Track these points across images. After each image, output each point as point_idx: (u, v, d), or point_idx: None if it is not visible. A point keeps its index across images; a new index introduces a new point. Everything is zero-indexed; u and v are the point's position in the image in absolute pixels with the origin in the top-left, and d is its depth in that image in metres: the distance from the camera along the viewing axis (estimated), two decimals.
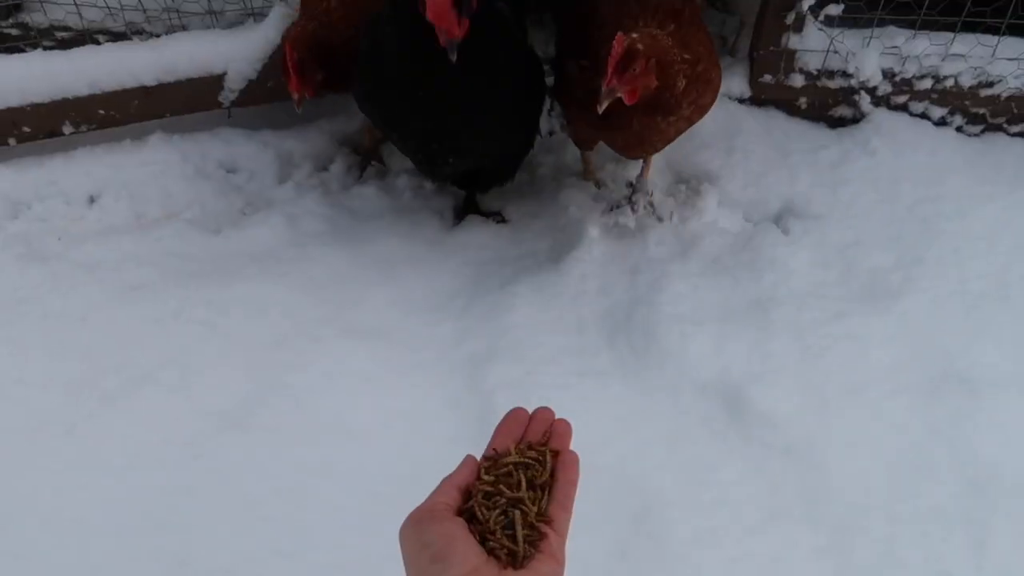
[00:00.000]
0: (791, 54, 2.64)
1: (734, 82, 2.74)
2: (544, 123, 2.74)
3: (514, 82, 2.18)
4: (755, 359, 2.08)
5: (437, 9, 1.75)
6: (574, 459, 1.15)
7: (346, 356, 2.07)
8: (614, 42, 1.81)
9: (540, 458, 1.10)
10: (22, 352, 2.07)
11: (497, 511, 1.02)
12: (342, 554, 1.70)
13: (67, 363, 2.05)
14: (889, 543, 1.79)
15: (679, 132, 2.17)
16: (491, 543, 0.99)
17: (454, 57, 1.79)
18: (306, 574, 1.70)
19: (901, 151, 2.60)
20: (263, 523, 1.77)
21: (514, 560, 0.98)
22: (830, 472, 1.90)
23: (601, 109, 1.87)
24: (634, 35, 1.85)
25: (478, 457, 1.11)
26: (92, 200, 2.52)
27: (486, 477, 1.06)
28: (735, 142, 2.64)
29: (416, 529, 1.01)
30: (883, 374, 2.06)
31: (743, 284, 2.25)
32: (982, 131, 2.71)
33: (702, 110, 2.15)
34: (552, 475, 1.10)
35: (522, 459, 1.09)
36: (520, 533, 1.00)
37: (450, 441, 1.85)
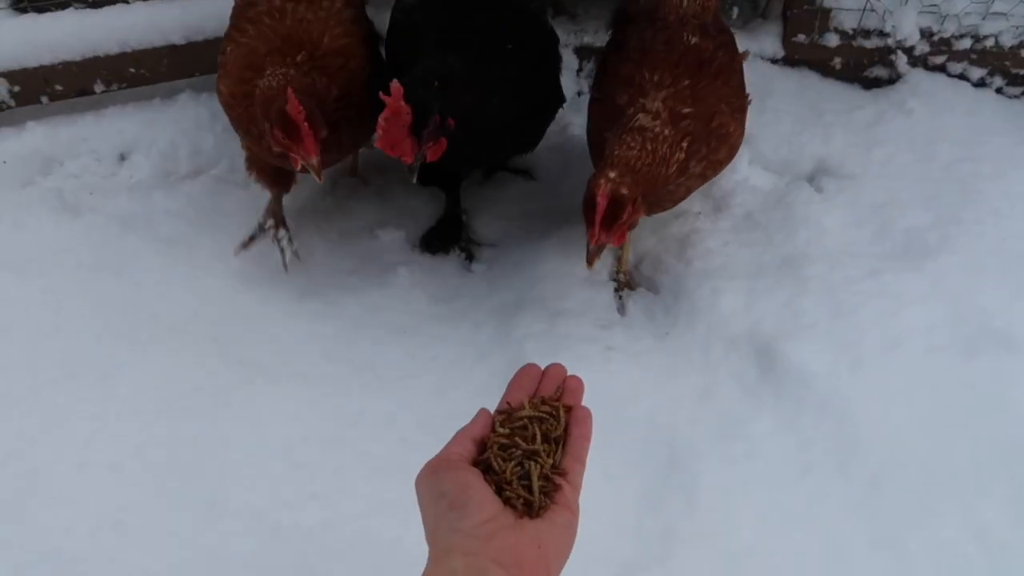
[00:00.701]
0: (826, 13, 2.60)
1: (767, 42, 2.71)
2: (573, 84, 2.73)
3: (546, 83, 2.16)
4: (787, 315, 2.05)
5: (389, 139, 1.66)
6: (587, 415, 1.18)
7: (377, 305, 2.07)
8: (596, 196, 1.67)
9: (554, 413, 1.12)
10: (58, 302, 2.09)
11: (513, 463, 1.05)
12: (374, 499, 1.71)
13: (102, 313, 2.07)
14: (924, 498, 1.76)
15: (691, 190, 2.04)
16: (507, 493, 1.02)
17: (414, 179, 1.74)
18: (339, 517, 1.70)
19: (938, 112, 2.55)
20: (295, 468, 1.78)
21: (530, 510, 1.01)
22: (864, 428, 1.87)
23: (591, 267, 1.78)
24: (612, 175, 1.69)
25: (492, 411, 1.13)
26: (123, 157, 2.54)
27: (501, 430, 1.08)
28: (767, 103, 2.60)
29: (432, 479, 1.03)
30: (918, 332, 2.02)
31: (775, 241, 2.22)
32: (1023, 93, 2.65)
33: (717, 166, 2.02)
34: (566, 430, 1.13)
35: (536, 413, 1.12)
36: (536, 484, 1.03)
37: (479, 389, 1.85)
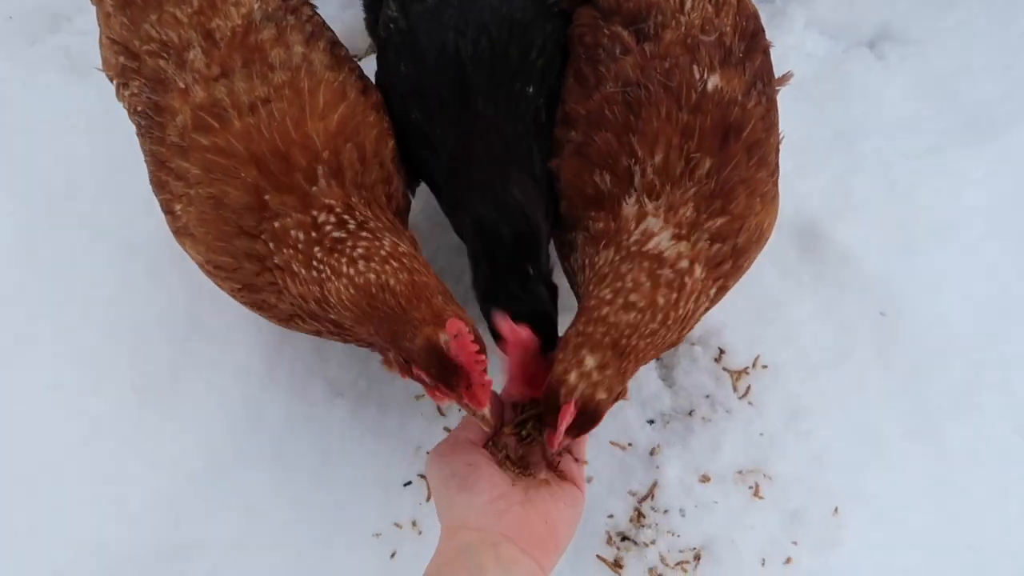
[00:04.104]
0: None
1: None
2: None
3: None
4: (836, 194, 1.93)
5: (527, 379, 1.19)
6: None
7: None
8: (560, 400, 1.08)
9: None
10: (76, 167, 2.01)
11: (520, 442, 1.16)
12: None
13: (117, 178, 2.00)
14: (966, 388, 1.70)
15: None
16: (515, 470, 1.12)
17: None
18: None
19: None
20: None
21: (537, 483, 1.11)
22: (909, 314, 1.79)
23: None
24: (589, 364, 1.08)
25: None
26: None
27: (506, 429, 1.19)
28: None
29: (441, 462, 1.11)
30: (977, 213, 1.89)
31: (828, 113, 2.06)
32: None
33: (738, 276, 1.33)
34: None
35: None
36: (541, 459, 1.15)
37: None
